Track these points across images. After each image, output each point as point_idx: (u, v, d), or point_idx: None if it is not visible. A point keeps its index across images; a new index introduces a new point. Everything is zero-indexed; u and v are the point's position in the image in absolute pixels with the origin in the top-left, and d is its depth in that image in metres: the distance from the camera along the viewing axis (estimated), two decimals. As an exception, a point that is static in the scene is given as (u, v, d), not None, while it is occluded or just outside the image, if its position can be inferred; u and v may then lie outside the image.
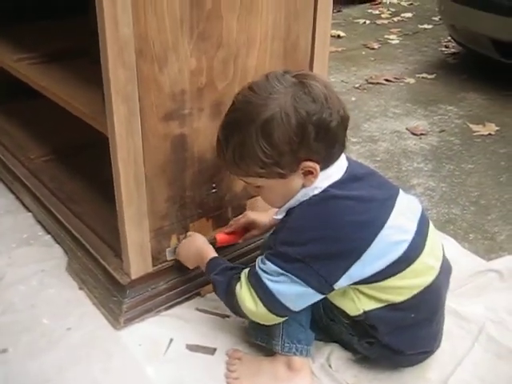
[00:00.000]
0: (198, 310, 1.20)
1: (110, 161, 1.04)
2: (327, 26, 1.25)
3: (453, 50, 3.34)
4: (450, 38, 3.28)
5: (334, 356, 1.07)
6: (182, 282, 1.22)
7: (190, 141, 1.12)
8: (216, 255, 1.09)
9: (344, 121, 0.92)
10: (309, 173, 0.92)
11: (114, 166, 1.04)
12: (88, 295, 1.23)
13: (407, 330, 0.97)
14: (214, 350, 1.10)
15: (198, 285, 1.23)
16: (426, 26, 3.91)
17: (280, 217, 0.99)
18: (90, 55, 1.15)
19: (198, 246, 1.12)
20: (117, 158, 1.01)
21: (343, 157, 0.97)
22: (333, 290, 0.93)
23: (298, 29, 1.20)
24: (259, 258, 0.97)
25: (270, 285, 0.92)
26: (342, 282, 0.92)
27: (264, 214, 1.21)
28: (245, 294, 0.95)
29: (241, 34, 1.10)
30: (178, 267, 1.20)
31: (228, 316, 1.18)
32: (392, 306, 0.95)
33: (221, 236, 1.19)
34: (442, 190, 1.79)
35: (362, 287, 0.94)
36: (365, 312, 0.95)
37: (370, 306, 0.95)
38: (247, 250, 1.29)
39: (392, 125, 2.32)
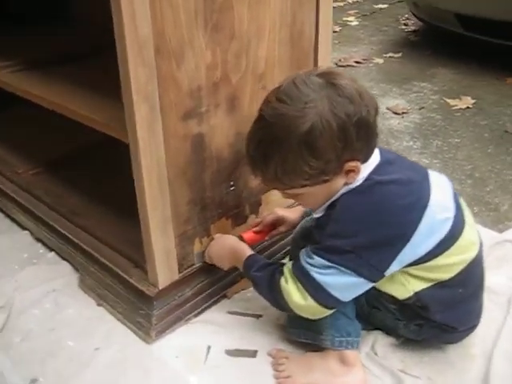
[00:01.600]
0: (229, 312, 1.16)
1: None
2: (329, 11, 1.22)
3: (412, 28, 3.39)
4: (409, 15, 3.33)
5: (379, 343, 1.06)
6: (207, 286, 1.17)
7: (208, 139, 1.07)
8: (252, 252, 1.05)
9: (377, 112, 0.90)
10: (351, 171, 0.89)
11: (136, 172, 0.98)
12: (109, 311, 1.17)
13: (458, 306, 0.97)
14: (255, 352, 1.06)
15: (224, 286, 1.19)
16: (381, 6, 3.95)
17: (319, 215, 0.96)
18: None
19: (232, 246, 1.08)
20: (140, 163, 0.95)
21: None
22: (383, 276, 0.91)
23: (302, 15, 1.17)
24: (303, 251, 0.94)
25: (319, 277, 0.90)
26: (394, 268, 0.91)
27: (291, 210, 1.18)
28: (291, 288, 0.93)
29: (251, 24, 1.06)
30: (204, 271, 1.16)
31: (261, 315, 1.15)
32: (440, 284, 0.95)
33: (249, 235, 1.15)
34: (437, 166, 1.80)
35: (411, 269, 0.93)
36: (415, 293, 0.95)
37: (420, 286, 0.95)
38: (270, 242, 1.27)
39: (372, 106, 2.32)
